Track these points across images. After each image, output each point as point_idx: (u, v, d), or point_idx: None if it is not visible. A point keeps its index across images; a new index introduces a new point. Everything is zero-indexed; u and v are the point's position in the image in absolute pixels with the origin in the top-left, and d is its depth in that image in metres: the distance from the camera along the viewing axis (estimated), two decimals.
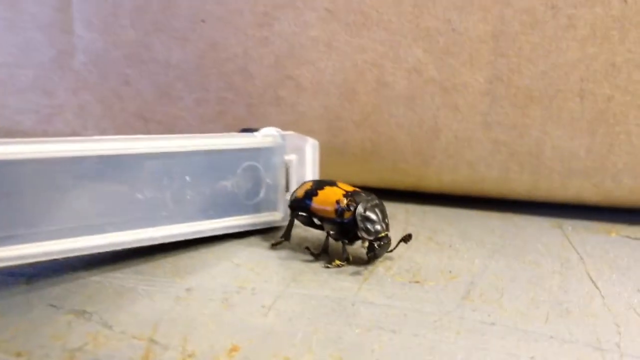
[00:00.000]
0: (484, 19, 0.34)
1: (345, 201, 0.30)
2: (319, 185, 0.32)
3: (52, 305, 0.26)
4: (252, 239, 0.33)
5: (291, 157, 0.33)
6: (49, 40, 0.36)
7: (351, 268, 0.30)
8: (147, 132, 0.37)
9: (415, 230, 0.35)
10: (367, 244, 0.30)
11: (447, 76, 0.35)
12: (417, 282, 0.29)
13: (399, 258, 0.31)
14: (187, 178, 0.29)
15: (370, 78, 0.35)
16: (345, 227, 0.30)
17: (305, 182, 0.33)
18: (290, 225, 0.32)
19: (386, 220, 0.30)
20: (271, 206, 0.33)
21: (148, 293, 0.27)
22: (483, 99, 0.35)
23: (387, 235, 0.30)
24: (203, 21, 0.35)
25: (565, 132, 0.35)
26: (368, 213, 0.30)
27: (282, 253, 0.32)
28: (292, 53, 0.35)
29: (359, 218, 0.30)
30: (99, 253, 0.28)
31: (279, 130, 0.33)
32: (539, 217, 0.38)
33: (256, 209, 0.33)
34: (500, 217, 0.38)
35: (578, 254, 0.33)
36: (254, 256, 0.31)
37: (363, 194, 0.31)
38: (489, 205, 0.38)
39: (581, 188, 0.36)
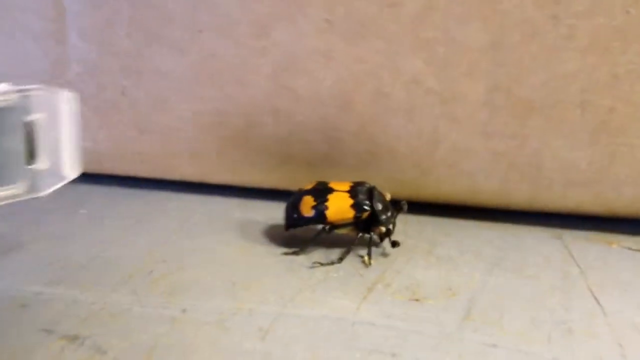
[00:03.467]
0: (484, 29, 0.33)
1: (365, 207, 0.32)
2: (319, 195, 0.33)
3: (45, 330, 0.25)
4: (251, 248, 0.33)
5: (36, 117, 0.26)
6: (44, 51, 0.36)
7: (349, 285, 0.30)
8: (140, 143, 0.36)
9: (414, 243, 0.35)
10: (384, 230, 0.33)
11: (446, 87, 0.34)
12: (417, 300, 0.29)
13: (397, 274, 0.31)
14: None
15: (368, 89, 0.35)
16: (362, 224, 0.33)
17: (300, 196, 0.33)
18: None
19: (385, 201, 0.33)
20: (7, 178, 0.27)
21: (143, 315, 0.27)
22: (482, 109, 0.34)
23: (393, 214, 0.33)
24: (200, 32, 0.35)
25: (565, 142, 0.34)
26: (378, 204, 0.32)
27: (280, 267, 0.31)
28: (289, 63, 0.35)
29: (378, 213, 0.32)
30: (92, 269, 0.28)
31: (15, 85, 0.26)
32: (538, 228, 0.37)
33: None
34: (498, 228, 0.37)
35: (579, 267, 0.32)
36: (251, 272, 0.31)
37: (360, 188, 0.33)
38: (486, 215, 0.38)
39: (581, 198, 0.36)
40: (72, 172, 0.29)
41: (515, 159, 0.35)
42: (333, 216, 0.32)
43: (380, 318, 0.27)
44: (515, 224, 0.38)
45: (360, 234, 0.33)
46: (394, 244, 0.33)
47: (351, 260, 0.32)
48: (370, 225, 0.33)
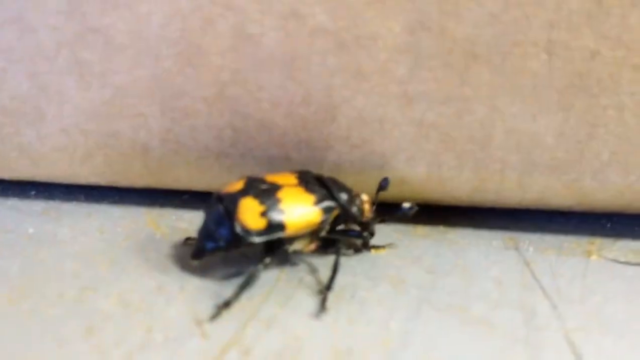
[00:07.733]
0: None
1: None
2: (266, 196, 0.21)
3: None
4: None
5: None
6: None
7: (181, 354, 0.18)
8: None
9: (299, 268, 0.23)
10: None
11: (345, 24, 0.22)
12: None
13: (266, 328, 0.19)
14: None
15: (225, 29, 0.22)
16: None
17: (237, 203, 0.21)
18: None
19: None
20: None
21: None
22: (401, 59, 0.23)
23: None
24: None
25: (524, 107, 0.23)
26: (343, 195, 0.23)
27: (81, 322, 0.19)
28: None
29: (347, 206, 0.23)
30: None
31: None
32: (485, 232, 0.26)
33: None
34: (430, 235, 0.25)
35: (548, 298, 0.21)
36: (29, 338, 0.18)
37: (310, 175, 0.23)
38: (413, 217, 0.26)
39: (547, 189, 0.24)
40: None
41: (451, 133, 0.24)
42: (294, 223, 0.21)
43: None
44: (453, 228, 0.26)
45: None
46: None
47: (191, 305, 0.20)
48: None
